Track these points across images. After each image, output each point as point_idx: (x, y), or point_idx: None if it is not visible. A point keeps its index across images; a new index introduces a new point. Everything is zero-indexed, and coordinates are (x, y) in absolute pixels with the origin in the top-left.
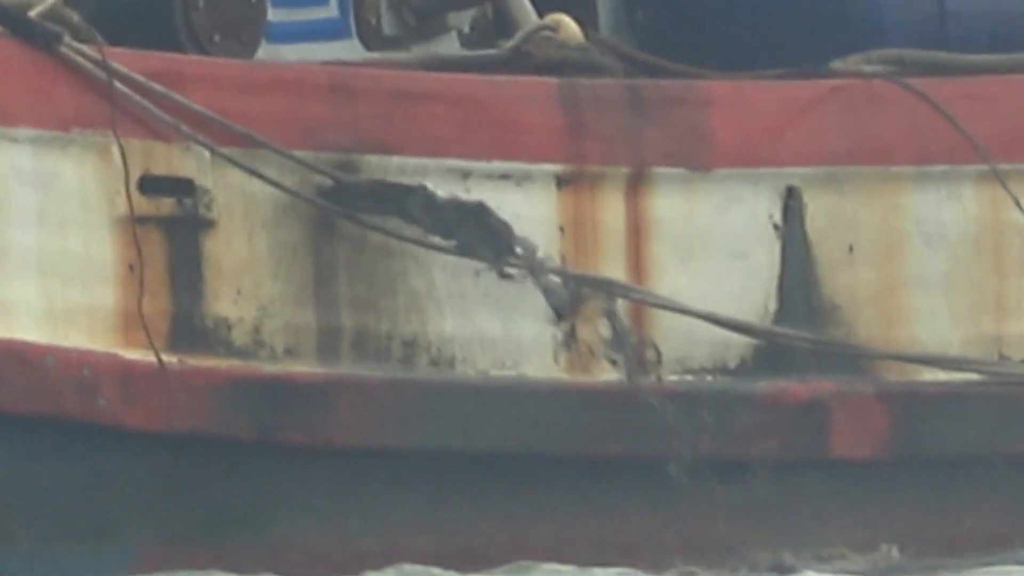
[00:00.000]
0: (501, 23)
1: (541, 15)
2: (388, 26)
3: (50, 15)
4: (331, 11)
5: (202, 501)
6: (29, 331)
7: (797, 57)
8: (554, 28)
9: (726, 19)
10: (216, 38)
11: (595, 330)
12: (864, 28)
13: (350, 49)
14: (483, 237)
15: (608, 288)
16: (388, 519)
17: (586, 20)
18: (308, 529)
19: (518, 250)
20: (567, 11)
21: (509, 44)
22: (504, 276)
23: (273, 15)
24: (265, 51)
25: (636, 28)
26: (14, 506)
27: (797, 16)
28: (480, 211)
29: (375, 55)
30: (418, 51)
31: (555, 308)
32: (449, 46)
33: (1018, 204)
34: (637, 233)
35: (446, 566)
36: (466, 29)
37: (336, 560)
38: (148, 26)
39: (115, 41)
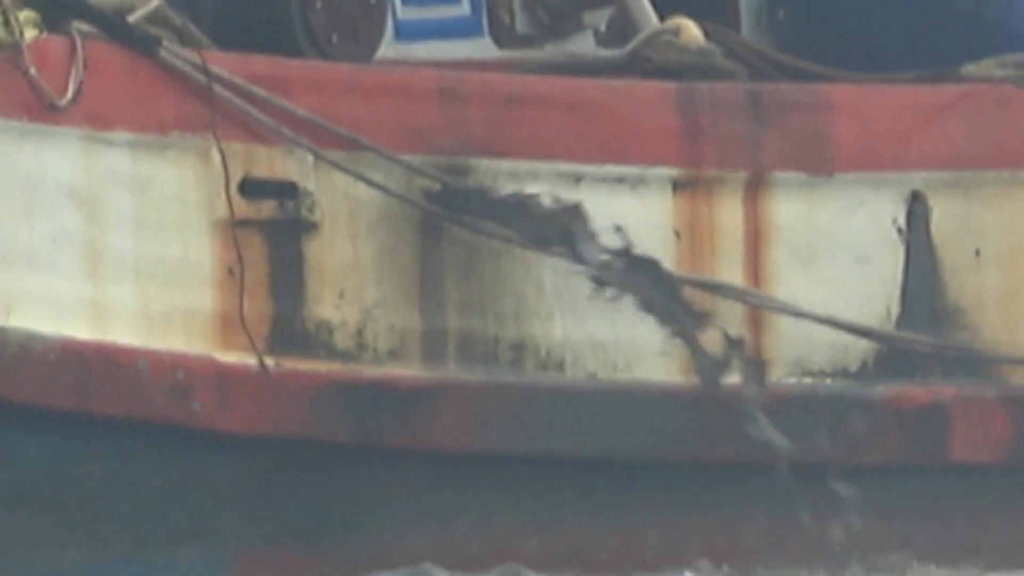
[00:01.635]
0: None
1: (682, 16)
2: (521, 24)
3: (153, 19)
4: (463, 9)
5: (301, 506)
6: (123, 334)
7: (934, 58)
8: (675, 32)
9: (864, 19)
10: (334, 39)
11: (709, 334)
12: (1001, 31)
13: (482, 47)
14: (587, 241)
15: (722, 292)
16: (493, 524)
17: (728, 20)
18: (411, 535)
19: (625, 256)
20: (709, 10)
21: (628, 48)
22: (605, 283)
23: (404, 13)
24: (396, 50)
25: (777, 27)
26: (108, 511)
27: (934, 18)
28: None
29: (507, 54)
30: (552, 50)
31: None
32: (584, 45)
33: None
34: (756, 237)
35: (554, 570)
36: (603, 28)
37: (439, 565)
38: (266, 28)
39: (233, 43)
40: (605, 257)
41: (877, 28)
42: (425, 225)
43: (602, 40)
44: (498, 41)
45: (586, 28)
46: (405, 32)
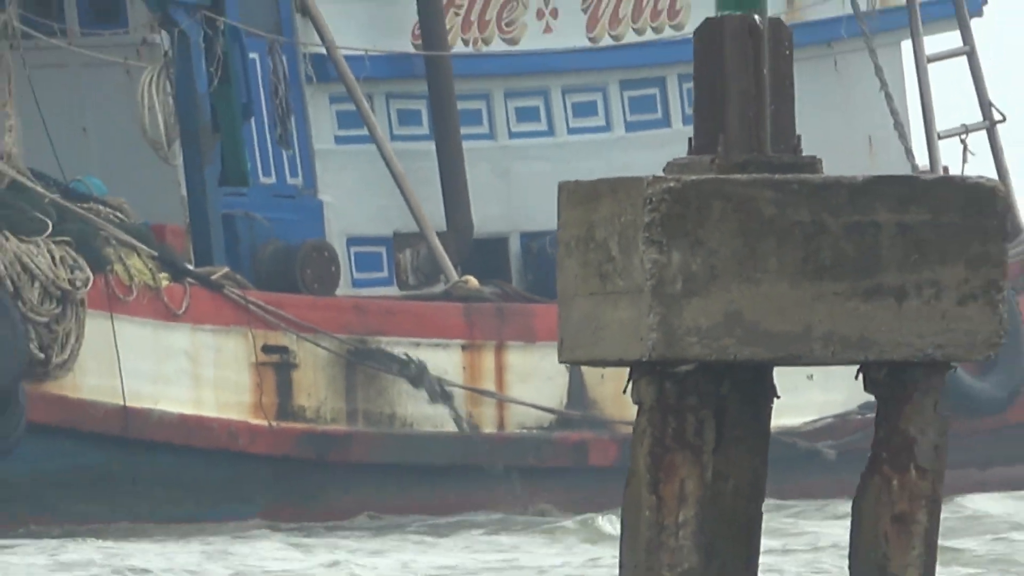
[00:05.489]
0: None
1: (480, 273)
2: (411, 279)
3: (224, 276)
4: (384, 274)
5: (292, 485)
6: (210, 411)
7: None
8: (465, 282)
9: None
10: (316, 285)
11: (474, 410)
12: None
13: (392, 291)
14: (426, 377)
15: (483, 392)
16: (369, 492)
17: (506, 275)
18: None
19: (434, 380)
20: (495, 270)
21: (443, 288)
22: (427, 391)
23: (356, 276)
24: (353, 291)
25: (528, 281)
26: (205, 488)
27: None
28: (421, 366)
29: (404, 293)
30: (424, 290)
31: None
32: (439, 288)
33: None
34: (500, 371)
35: (422, 514)
36: (449, 282)
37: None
38: (286, 279)
39: (271, 286)
40: (432, 381)
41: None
42: (348, 366)
43: (448, 287)
44: (400, 288)
45: (441, 282)
46: (357, 284)
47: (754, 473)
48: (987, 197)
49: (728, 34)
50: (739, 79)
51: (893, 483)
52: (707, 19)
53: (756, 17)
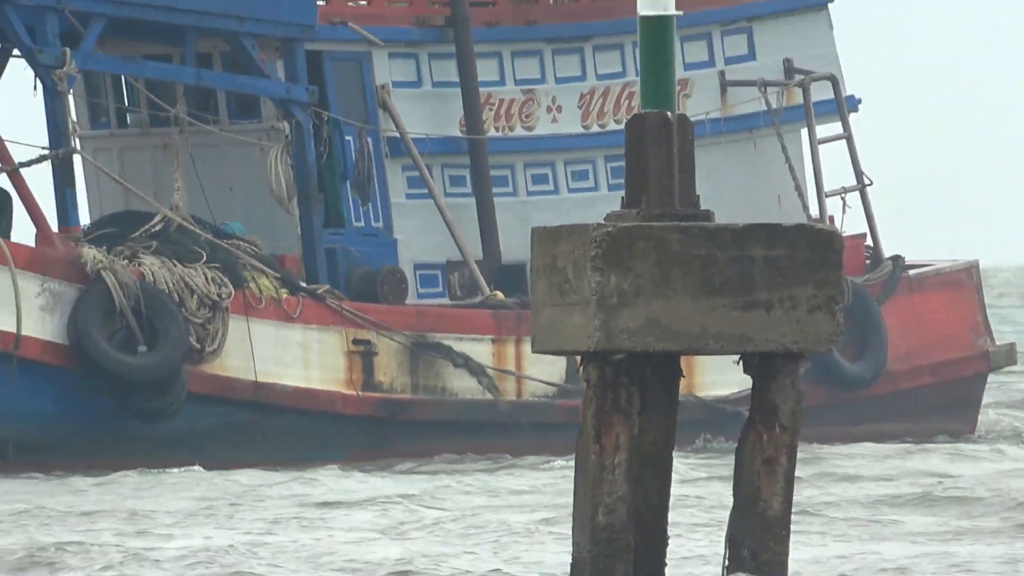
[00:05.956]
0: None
1: (505, 289)
2: (458, 294)
3: (326, 291)
4: (440, 289)
5: (373, 436)
6: (315, 384)
7: None
8: (495, 295)
9: None
10: (391, 297)
11: (500, 385)
12: None
13: (445, 301)
14: (467, 361)
15: (506, 372)
16: (426, 441)
17: (523, 291)
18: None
19: (472, 362)
20: (517, 287)
21: (478, 300)
22: (467, 370)
23: (420, 291)
24: (417, 302)
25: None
26: (302, 440)
27: None
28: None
29: (453, 302)
30: (467, 300)
31: (477, 377)
32: (476, 299)
33: None
34: (519, 358)
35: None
36: (483, 295)
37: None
38: (370, 292)
39: (359, 297)
40: (471, 363)
41: None
42: (413, 353)
43: (483, 299)
44: (450, 299)
45: (478, 296)
46: (420, 296)
47: (667, 429)
48: (828, 239)
49: (649, 125)
50: (656, 156)
51: (763, 437)
52: (634, 115)
53: (668, 114)
